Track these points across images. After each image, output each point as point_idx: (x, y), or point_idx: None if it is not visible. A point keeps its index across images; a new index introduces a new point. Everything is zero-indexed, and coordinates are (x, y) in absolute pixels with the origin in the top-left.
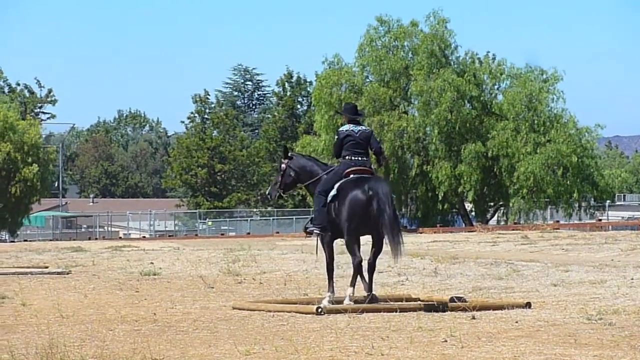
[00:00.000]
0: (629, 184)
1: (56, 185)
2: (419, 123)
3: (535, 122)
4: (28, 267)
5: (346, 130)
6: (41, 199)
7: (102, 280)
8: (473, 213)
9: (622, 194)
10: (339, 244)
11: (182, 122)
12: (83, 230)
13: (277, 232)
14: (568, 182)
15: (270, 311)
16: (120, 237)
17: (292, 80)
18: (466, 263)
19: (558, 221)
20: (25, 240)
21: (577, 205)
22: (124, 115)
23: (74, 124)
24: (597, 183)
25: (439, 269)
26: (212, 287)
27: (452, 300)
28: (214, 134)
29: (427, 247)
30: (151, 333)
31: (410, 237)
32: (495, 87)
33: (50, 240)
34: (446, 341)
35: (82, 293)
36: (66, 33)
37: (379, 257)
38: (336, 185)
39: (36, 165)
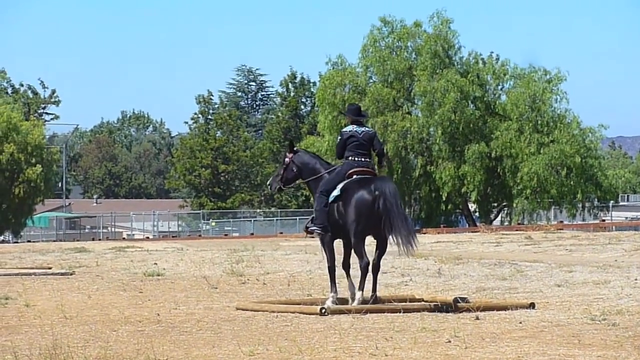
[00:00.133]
0: (633, 184)
1: (60, 186)
2: (422, 123)
3: (539, 122)
4: (31, 268)
5: (349, 131)
6: (45, 200)
7: (105, 281)
8: (477, 213)
9: (625, 195)
10: (339, 244)
11: (186, 122)
12: (87, 231)
13: (281, 233)
14: (572, 183)
15: (274, 312)
16: (124, 238)
17: (296, 81)
18: (470, 263)
19: (562, 222)
20: (28, 241)
21: (580, 205)
22: (128, 115)
23: (77, 125)
24: (600, 183)
25: (442, 270)
26: (216, 288)
27: (456, 301)
28: (217, 135)
29: (430, 248)
30: (155, 334)
31: None
32: (499, 87)
33: (54, 241)
34: (450, 342)
35: (85, 294)
36: (70, 34)
37: (383, 257)
38: (339, 186)
39: (40, 166)
